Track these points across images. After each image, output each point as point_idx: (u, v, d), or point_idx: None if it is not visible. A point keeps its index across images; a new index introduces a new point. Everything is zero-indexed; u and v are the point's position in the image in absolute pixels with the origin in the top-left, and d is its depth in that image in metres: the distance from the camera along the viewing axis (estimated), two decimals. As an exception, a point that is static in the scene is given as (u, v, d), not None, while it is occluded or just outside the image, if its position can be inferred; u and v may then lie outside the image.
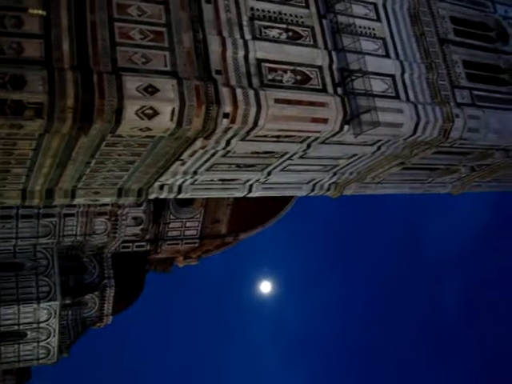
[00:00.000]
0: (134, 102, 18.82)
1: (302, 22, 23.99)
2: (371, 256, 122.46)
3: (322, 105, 22.45)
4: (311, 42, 23.84)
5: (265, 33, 23.05)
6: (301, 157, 25.95)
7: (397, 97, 24.68)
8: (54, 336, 51.28)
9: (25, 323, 49.99)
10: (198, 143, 22.11)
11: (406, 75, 25.36)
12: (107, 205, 48.53)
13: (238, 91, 20.80)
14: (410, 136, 24.65)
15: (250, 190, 29.85)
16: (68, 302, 51.18)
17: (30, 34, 18.74)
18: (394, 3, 26.62)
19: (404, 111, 24.13)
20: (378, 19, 26.02)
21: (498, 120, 26.71)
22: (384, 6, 26.38)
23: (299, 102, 21.96)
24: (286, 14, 23.81)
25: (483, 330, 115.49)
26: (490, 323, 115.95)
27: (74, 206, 47.75)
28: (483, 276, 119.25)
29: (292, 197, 53.65)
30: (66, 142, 20.98)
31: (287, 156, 25.86)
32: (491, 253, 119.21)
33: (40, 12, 19.01)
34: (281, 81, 22.39)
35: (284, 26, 23.53)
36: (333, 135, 23.34)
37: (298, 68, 22.83)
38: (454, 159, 30.37)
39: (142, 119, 19.08)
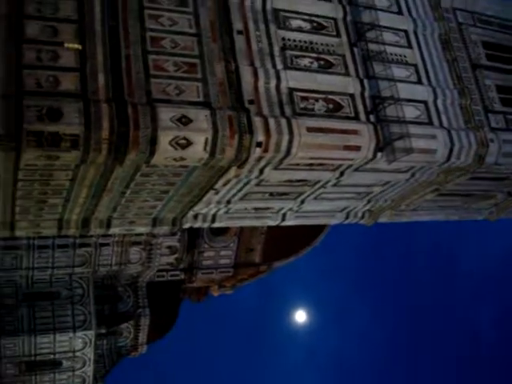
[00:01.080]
0: (168, 133, 19.06)
1: (333, 51, 24.12)
2: (403, 281, 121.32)
3: (355, 132, 22.44)
4: (342, 71, 23.93)
5: (296, 62, 23.23)
6: (334, 185, 25.88)
7: (430, 123, 24.58)
8: (89, 365, 51.52)
9: (60, 352, 50.38)
10: (232, 172, 22.22)
11: (439, 101, 25.26)
12: (142, 234, 48.88)
13: (271, 120, 20.93)
14: (444, 162, 24.45)
15: (283, 219, 29.81)
16: (103, 331, 51.48)
17: (66, 68, 19.19)
18: (424, 30, 26.63)
19: (437, 137, 23.99)
20: (410, 46, 26.03)
21: (532, 144, 26.37)
22: (415, 32, 26.39)
23: (331, 130, 21.99)
24: (317, 43, 24.00)
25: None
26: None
27: (110, 235, 48.20)
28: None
29: (326, 225, 53.39)
30: (102, 172, 21.27)
31: (320, 184, 25.82)
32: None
33: (76, 46, 19.45)
34: (313, 109, 22.48)
35: (315, 54, 23.69)
36: (366, 162, 23.28)
37: (330, 96, 22.90)
38: (490, 185, 29.98)
39: (176, 149, 19.30)
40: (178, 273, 54.25)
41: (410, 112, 24.16)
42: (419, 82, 25.40)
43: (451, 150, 24.17)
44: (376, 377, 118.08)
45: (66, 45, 19.38)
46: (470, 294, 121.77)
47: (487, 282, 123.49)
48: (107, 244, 49.91)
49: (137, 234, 48.09)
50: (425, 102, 24.94)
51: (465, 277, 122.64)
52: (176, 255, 52.67)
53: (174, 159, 19.85)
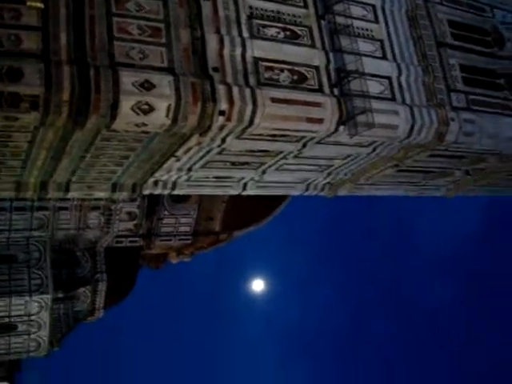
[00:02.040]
0: (130, 98, 18.84)
1: (300, 22, 24.00)
2: (364, 254, 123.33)
3: (318, 105, 22.48)
4: (309, 42, 23.85)
5: (263, 31, 23.07)
6: (296, 156, 25.99)
7: (393, 99, 24.74)
8: (45, 329, 51.26)
9: (16, 316, 49.95)
10: (193, 140, 22.12)
11: (403, 77, 25.41)
12: (101, 199, 48.51)
13: (235, 89, 20.83)
14: (405, 138, 24.70)
15: (244, 188, 29.87)
16: (60, 295, 51.17)
17: (28, 27, 18.71)
18: (392, 5, 26.65)
19: (399, 113, 24.19)
20: (376, 21, 26.03)
21: (492, 125, 26.78)
22: (382, 8, 26.38)
23: (295, 102, 21.99)
24: (284, 14, 23.81)
25: (474, 330, 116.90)
26: (483, 323, 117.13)
27: (68, 199, 47.73)
28: (476, 275, 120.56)
29: (287, 196, 53.68)
30: (61, 135, 20.95)
31: (282, 155, 25.89)
32: (483, 253, 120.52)
33: (38, 4, 19.00)
34: (277, 80, 22.42)
35: (282, 25, 23.56)
36: (328, 135, 23.39)
37: (295, 67, 22.87)
38: (448, 162, 30.43)
39: (138, 114, 19.10)
40: (136, 239, 54.13)
41: (374, 87, 24.26)
42: (384, 57, 25.48)
43: (412, 127, 24.41)
44: (336, 348, 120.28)
45: (28, 3, 18.91)
46: (429, 267, 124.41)
47: (445, 257, 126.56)
48: (66, 208, 49.45)
49: (96, 199, 47.68)
50: (389, 78, 25.07)
51: (423, 251, 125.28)
52: (135, 221, 52.51)
53: (136, 125, 19.65)
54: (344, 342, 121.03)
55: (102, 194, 28.90)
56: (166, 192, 28.50)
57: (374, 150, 26.14)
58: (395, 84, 25.08)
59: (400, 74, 25.32)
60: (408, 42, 26.58)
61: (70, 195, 27.94)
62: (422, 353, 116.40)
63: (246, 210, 54.14)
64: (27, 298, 49.52)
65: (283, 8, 23.86)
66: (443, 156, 28.70)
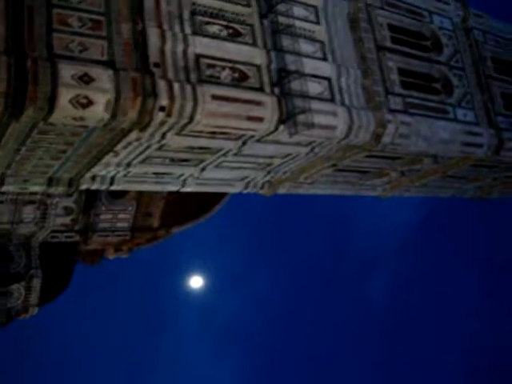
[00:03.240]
0: (68, 90, 18.53)
1: (243, 21, 24.08)
2: (300, 252, 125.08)
3: (259, 104, 22.61)
4: (251, 41, 23.96)
5: (205, 28, 23.06)
6: (235, 154, 26.07)
7: (332, 100, 25.07)
8: (-23, 325, 50.01)
9: None
10: (133, 135, 21.91)
11: (343, 79, 25.79)
12: (37, 193, 47.53)
13: (176, 85, 20.74)
14: (343, 139, 25.07)
15: (183, 185, 29.79)
16: (-7, 291, 49.99)
17: (-38, 15, 18.25)
18: (334, 7, 27.02)
19: (338, 114, 24.54)
20: (318, 22, 26.33)
21: (428, 127, 27.45)
22: (325, 9, 26.71)
23: (236, 100, 22.05)
24: (227, 11, 23.84)
25: (405, 322, 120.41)
26: (412, 318, 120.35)
27: (3, 193, 46.58)
28: (407, 273, 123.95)
29: (226, 193, 53.76)
30: (-4, 127, 20.51)
31: (222, 152, 25.94)
32: (415, 251, 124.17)
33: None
34: (219, 77, 22.44)
35: (225, 22, 23.58)
36: (268, 134, 23.55)
37: (237, 65, 22.93)
38: (384, 163, 31.05)
39: (76, 108, 18.80)
40: (73, 234, 53.22)
41: (314, 88, 24.55)
42: (324, 58, 25.79)
43: (350, 128, 24.80)
44: (273, 341, 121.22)
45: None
46: (363, 264, 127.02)
47: (379, 254, 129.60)
48: (0, 201, 48.24)
49: (31, 193, 46.67)
50: (329, 79, 25.39)
51: (359, 248, 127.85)
52: (72, 216, 51.61)
53: (74, 118, 19.34)
54: (278, 335, 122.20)
55: (37, 189, 28.36)
56: (104, 187, 28.15)
57: (313, 149, 26.45)
58: (335, 85, 25.42)
59: (340, 75, 25.68)
60: (348, 45, 26.99)
61: (5, 189, 27.32)
62: (357, 344, 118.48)
63: (185, 207, 53.97)
64: (-42, 294, 48.19)
65: (226, 6, 23.88)
66: (380, 157, 29.27)
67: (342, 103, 25.20)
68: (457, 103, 29.82)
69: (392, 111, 26.66)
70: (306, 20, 25.88)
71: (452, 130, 28.57)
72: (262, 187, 31.64)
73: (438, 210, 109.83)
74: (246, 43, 23.78)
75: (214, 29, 23.23)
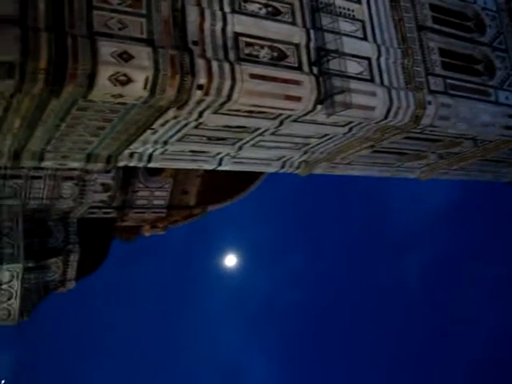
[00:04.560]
0: (108, 68, 18.63)
1: (283, -1, 23.88)
2: (335, 232, 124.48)
3: (297, 83, 22.48)
4: (290, 19, 23.74)
5: (244, 6, 22.89)
6: (272, 133, 26.01)
7: (371, 80, 24.82)
8: (16, 298, 50.98)
9: (-13, 284, 49.64)
10: (171, 113, 22.00)
11: (382, 59, 25.48)
12: (75, 169, 48.11)
13: (214, 63, 20.71)
14: (382, 120, 24.84)
15: (219, 164, 29.85)
16: (31, 265, 50.85)
17: (5, -9, 18.40)
18: (375, -14, 26.61)
19: (377, 95, 24.30)
20: (358, 1, 25.95)
21: (468, 110, 27.06)
22: (365, -13, 26.35)
23: (274, 79, 21.95)
24: (266, -11, 23.66)
25: (442, 302, 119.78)
26: (447, 296, 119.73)
27: (42, 168, 47.27)
28: (443, 252, 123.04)
29: (262, 173, 53.77)
30: (37, 103, 20.70)
31: (259, 132, 25.89)
32: (450, 231, 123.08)
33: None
34: (257, 56, 22.34)
35: (264, 0, 23.41)
36: (305, 114, 23.42)
37: (275, 44, 22.79)
38: (423, 145, 30.72)
39: (115, 85, 18.91)
40: (110, 211, 53.86)
41: (353, 67, 24.32)
42: (364, 38, 25.48)
43: (389, 109, 24.55)
44: (308, 320, 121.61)
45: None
46: (400, 244, 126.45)
47: (414, 235, 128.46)
48: (39, 177, 48.90)
49: (70, 169, 47.25)
50: (368, 59, 25.11)
51: (395, 229, 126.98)
52: (109, 193, 52.18)
53: (113, 95, 19.47)
54: (313, 315, 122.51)
55: (76, 165, 28.68)
56: (142, 164, 28.36)
57: (351, 130, 26.25)
58: (374, 65, 25.14)
59: (379, 55, 25.38)
60: (389, 24, 26.60)
61: (44, 164, 27.68)
62: (394, 321, 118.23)
63: (221, 186, 54.19)
64: (-2, 267, 49.17)
65: (266, -16, 23.69)
66: (418, 139, 28.96)
67: (382, 83, 24.92)
68: (499, 85, 29.29)
69: (432, 92, 26.31)
70: (346, -1, 25.55)
71: (493, 113, 28.12)
72: (298, 167, 31.55)
73: (473, 191, 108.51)
74: (285, 22, 23.58)
75: (253, 7, 23.06)
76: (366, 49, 25.21)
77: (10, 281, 49.91)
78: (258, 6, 23.18)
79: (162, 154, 27.54)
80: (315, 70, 23.39)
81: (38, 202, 50.28)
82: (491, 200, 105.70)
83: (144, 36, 20.06)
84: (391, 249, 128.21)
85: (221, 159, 29.51)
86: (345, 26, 24.88)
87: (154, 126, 23.67)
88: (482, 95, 28.41)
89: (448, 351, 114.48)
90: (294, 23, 23.72)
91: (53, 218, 53.06)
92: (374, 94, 24.25)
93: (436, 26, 28.40)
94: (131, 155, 27.30)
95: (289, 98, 22.35)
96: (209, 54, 21.10)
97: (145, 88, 19.41)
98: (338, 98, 23.04)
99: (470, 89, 28.08)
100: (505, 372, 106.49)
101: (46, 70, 17.95)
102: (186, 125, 23.74)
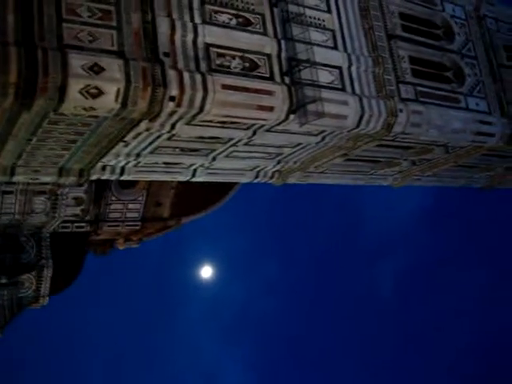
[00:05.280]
0: (78, 81, 18.48)
1: (253, 9, 23.91)
2: (309, 240, 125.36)
3: (269, 93, 22.50)
4: (261, 30, 23.80)
5: (215, 17, 22.91)
6: (246, 144, 26.00)
7: (343, 89, 24.94)
8: (-12, 315, 50.25)
9: (-41, 301, 48.82)
10: (143, 125, 21.88)
11: (353, 68, 25.63)
12: (47, 184, 47.60)
13: (185, 75, 20.66)
14: (354, 128, 24.96)
15: (193, 175, 29.76)
16: (4, 281, 50.10)
17: (-28, 5, 18.20)
18: (344, -5, 26.79)
19: (349, 103, 24.42)
20: (329, 11, 26.12)
21: (439, 116, 27.30)
22: (335, -3, 26.52)
23: (246, 89, 21.95)
24: (237, 0, 23.65)
25: (415, 307, 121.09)
26: (421, 303, 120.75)
27: (13, 183, 46.70)
28: (417, 259, 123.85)
29: (236, 183, 53.72)
30: (8, 117, 20.50)
31: (232, 142, 25.87)
32: (423, 238, 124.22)
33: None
34: (229, 66, 22.34)
35: (234, 11, 23.44)
36: (278, 124, 23.45)
37: (247, 55, 22.82)
38: (395, 153, 30.93)
39: (86, 98, 18.76)
40: (83, 224, 53.33)
41: (324, 77, 24.42)
42: (335, 47, 25.62)
43: (361, 117, 24.68)
44: (284, 329, 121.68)
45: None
46: (372, 252, 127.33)
47: (388, 242, 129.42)
48: (10, 192, 48.29)
49: (42, 183, 46.75)
50: (339, 68, 25.25)
51: (369, 236, 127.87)
52: (82, 206, 51.65)
53: (84, 108, 19.31)
54: (288, 323, 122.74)
55: (48, 179, 28.41)
56: (114, 177, 28.17)
57: (324, 139, 26.34)
58: (345, 74, 25.28)
59: (350, 64, 25.53)
60: (359, 33, 26.79)
61: (16, 179, 27.38)
62: (365, 331, 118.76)
63: (195, 197, 53.96)
64: (-30, 284, 48.42)
65: (236, -6, 23.73)
66: (391, 146, 29.16)
67: (353, 92, 25.07)
68: (469, 92, 29.63)
69: (403, 100, 26.51)
70: (316, 8, 25.68)
71: (464, 119, 28.40)
72: (272, 177, 31.57)
73: (445, 197, 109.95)
74: (256, 32, 23.62)
75: (223, 18, 23.08)
76: (337, 58, 25.35)
77: (-18, 298, 49.17)
78: (228, 16, 23.21)
79: (135, 166, 27.38)
80: (287, 79, 23.44)
81: (10, 217, 49.61)
82: (464, 205, 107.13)
83: (115, 48, 19.95)
84: (365, 256, 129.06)
85: (195, 170, 29.42)
86: (315, 35, 24.99)
87: (126, 139, 23.51)
88: (453, 102, 28.70)
89: (422, 358, 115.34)
90: (264, 33, 23.77)
91: (25, 233, 52.35)
92: (345, 103, 24.36)
93: (405, 35, 28.68)
94: (104, 168, 27.10)
95: (261, 108, 22.35)
96: (180, 65, 21.04)
97: (116, 100, 19.28)
98: (311, 107, 23.13)
99: (441, 96, 28.35)
100: (478, 378, 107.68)
101: (15, 84, 17.77)
102: (158, 137, 23.63)
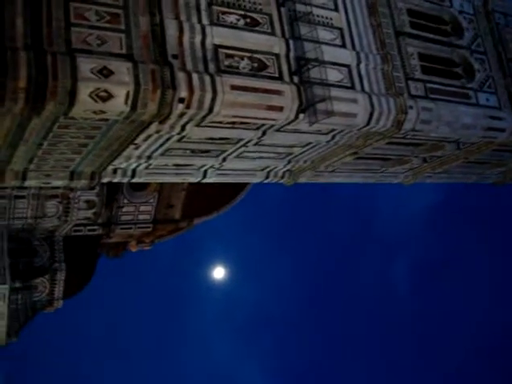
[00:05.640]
0: (88, 84, 18.55)
1: (261, 9, 23.92)
2: (322, 239, 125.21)
3: (278, 93, 22.48)
4: (269, 30, 23.80)
5: (222, 18, 22.93)
6: (256, 144, 26.00)
7: (352, 87, 24.89)
8: (3, 319, 50.45)
9: (-27, 306, 49.08)
10: (153, 127, 21.94)
11: (362, 66, 25.57)
12: (59, 188, 47.85)
13: (194, 76, 20.68)
14: (364, 126, 24.90)
15: (204, 176, 29.81)
16: (18, 285, 50.40)
17: (-19, 11, 18.30)
18: (352, -6, 26.74)
19: (358, 101, 24.35)
20: (336, 9, 26.08)
21: (449, 113, 27.18)
22: (342, -4, 26.48)
23: (255, 89, 21.94)
24: (244, 1, 23.68)
25: (430, 304, 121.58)
26: (436, 299, 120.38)
27: (25, 188, 46.95)
28: (430, 255, 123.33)
29: (247, 183, 53.76)
30: (18, 122, 20.61)
31: (242, 143, 25.88)
32: (436, 234, 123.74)
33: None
34: (237, 67, 22.35)
35: (242, 12, 23.46)
36: (288, 123, 23.44)
37: (255, 55, 22.82)
38: (406, 150, 30.83)
39: (96, 102, 18.83)
40: (95, 228, 53.55)
41: (333, 75, 24.38)
42: (343, 45, 25.58)
43: (371, 115, 24.61)
44: (294, 328, 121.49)
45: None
46: (385, 249, 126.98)
47: (401, 240, 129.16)
48: (23, 196, 48.59)
49: (54, 187, 46.99)
50: (348, 66, 25.20)
51: (380, 234, 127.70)
52: (94, 210, 51.91)
53: (94, 112, 19.39)
54: (301, 323, 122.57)
55: (59, 183, 28.54)
56: (126, 180, 28.28)
57: (333, 137, 26.30)
58: (354, 72, 25.23)
59: (359, 62, 25.48)
60: (367, 31, 26.72)
61: (27, 184, 27.52)
62: (381, 329, 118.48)
63: (207, 198, 54.06)
64: (-16, 288, 48.66)
65: (243, -5, 23.75)
66: (401, 144, 29.07)
67: (362, 90, 25.01)
68: (478, 88, 29.49)
69: (413, 97, 26.42)
70: (324, 7, 25.64)
71: (474, 115, 28.26)
72: (282, 176, 31.57)
73: (457, 192, 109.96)
74: (264, 32, 23.63)
75: (231, 18, 23.10)
76: (346, 56, 25.30)
77: (-3, 302, 49.44)
78: (236, 17, 23.22)
79: (146, 168, 27.45)
80: (296, 79, 23.43)
81: (23, 222, 49.92)
82: (473, 199, 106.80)
83: (123, 51, 20.01)
84: (378, 254, 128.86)
85: (205, 171, 29.46)
86: (324, 34, 24.96)
87: (136, 141, 23.58)
88: (463, 98, 28.58)
89: (436, 355, 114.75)
90: (272, 33, 23.77)
91: (38, 237, 52.65)
92: (355, 101, 24.30)
93: (414, 31, 28.57)
94: (115, 171, 27.19)
95: (271, 107, 22.34)
96: (189, 66, 21.07)
97: (126, 103, 19.33)
98: (320, 106, 23.08)
99: (451, 92, 28.23)
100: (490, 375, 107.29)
101: (25, 89, 17.85)
102: (168, 138, 23.68)
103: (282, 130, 24.24)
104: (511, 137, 29.60)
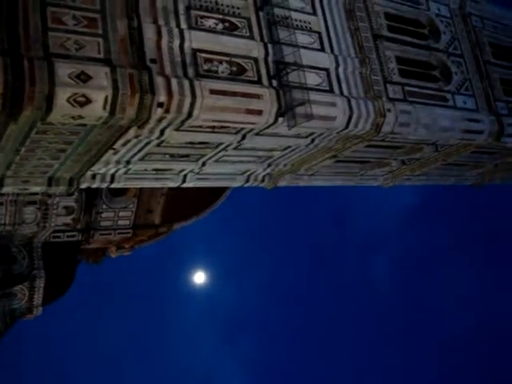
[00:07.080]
0: (66, 89, 18.39)
1: (239, 14, 23.94)
2: (301, 239, 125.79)
3: (257, 97, 22.50)
4: (247, 34, 23.83)
5: (201, 22, 22.90)
6: (235, 148, 25.98)
7: (331, 90, 24.97)
8: (-19, 327, 49.99)
9: (-50, 314, 48.53)
10: (132, 132, 21.83)
11: (340, 69, 25.67)
12: (37, 194, 47.44)
13: (173, 81, 20.62)
14: (343, 129, 24.99)
15: (184, 181, 29.71)
16: (-4, 292, 49.91)
17: (-44, 16, 18.11)
18: (329, -3, 26.86)
19: (337, 105, 24.44)
20: (314, 13, 26.19)
21: (427, 115, 27.38)
22: (320, 0, 26.57)
23: (234, 94, 21.93)
24: (222, 5, 23.69)
25: (410, 301, 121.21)
26: (416, 296, 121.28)
27: (3, 194, 46.49)
28: (410, 255, 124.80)
29: (227, 188, 53.71)
30: (-5, 128, 20.40)
31: (222, 147, 25.85)
32: (414, 234, 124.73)
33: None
34: (216, 71, 22.32)
35: (220, 16, 23.44)
36: (267, 127, 23.45)
37: (234, 59, 22.81)
38: (385, 153, 30.99)
39: (74, 107, 18.68)
40: (74, 234, 53.14)
41: (312, 79, 24.44)
42: (322, 49, 25.68)
43: (350, 118, 24.71)
44: (275, 329, 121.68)
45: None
46: (364, 248, 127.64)
47: (380, 238, 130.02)
48: (0, 203, 48.12)
49: (32, 194, 46.57)
50: (326, 70, 25.28)
51: (360, 234, 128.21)
52: (73, 216, 51.49)
53: (72, 117, 19.23)
54: (283, 322, 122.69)
55: (37, 189, 28.30)
56: (104, 185, 28.09)
57: (313, 141, 26.36)
58: (333, 76, 25.31)
59: (337, 65, 25.57)
60: (345, 34, 26.85)
61: (5, 190, 27.26)
62: (360, 327, 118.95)
63: (186, 203, 53.90)
64: (-39, 296, 48.14)
65: (221, -1, 23.75)
66: (380, 146, 29.22)
67: (341, 93, 25.10)
68: (456, 90, 29.74)
69: (391, 100, 26.58)
70: (302, 11, 25.74)
71: (452, 118, 28.49)
72: (262, 180, 31.58)
73: (434, 193, 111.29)
74: (242, 36, 23.64)
75: (209, 23, 23.08)
76: (324, 60, 25.39)
77: (-25, 310, 48.92)
78: (214, 21, 23.21)
79: (125, 173, 27.31)
80: (275, 83, 23.45)
81: (0, 229, 49.36)
82: (451, 199, 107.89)
83: (101, 56, 19.88)
84: (356, 253, 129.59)
85: (185, 176, 29.37)
86: (302, 38, 25.02)
87: (115, 146, 23.44)
88: (440, 101, 28.80)
89: (418, 353, 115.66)
90: (251, 37, 23.79)
91: (16, 243, 52.11)
92: (333, 105, 24.39)
93: (392, 35, 28.77)
94: (93, 176, 27.01)
95: (250, 111, 22.34)
96: (167, 71, 21.00)
97: (104, 108, 19.20)
98: (299, 109, 23.12)
99: (428, 95, 28.45)
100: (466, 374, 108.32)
101: (2, 95, 17.67)
102: (147, 143, 23.57)
103: (261, 133, 24.24)
104: (489, 139, 29.90)
